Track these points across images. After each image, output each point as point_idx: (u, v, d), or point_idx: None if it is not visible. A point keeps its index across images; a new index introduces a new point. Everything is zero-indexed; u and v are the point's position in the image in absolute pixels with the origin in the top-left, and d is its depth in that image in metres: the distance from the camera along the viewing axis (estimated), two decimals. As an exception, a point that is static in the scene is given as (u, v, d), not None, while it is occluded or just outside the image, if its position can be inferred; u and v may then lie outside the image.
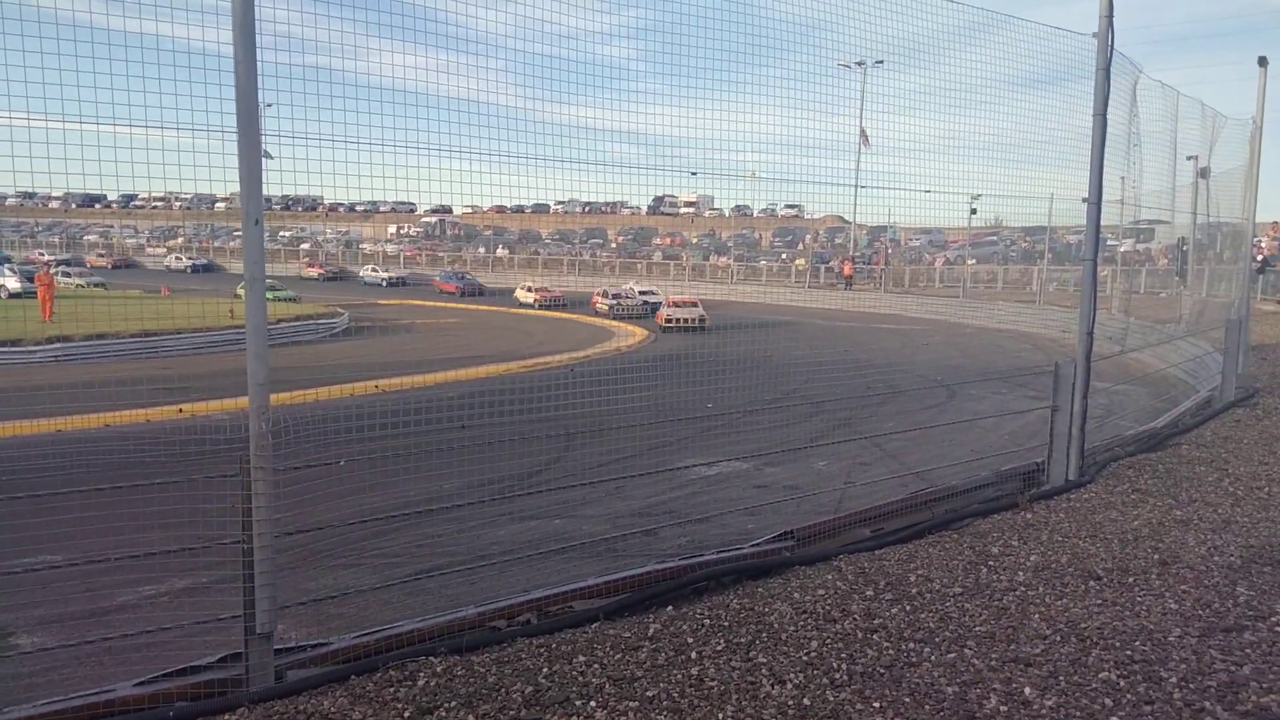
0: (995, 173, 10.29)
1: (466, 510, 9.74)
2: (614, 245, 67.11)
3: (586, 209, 76.72)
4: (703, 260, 58.36)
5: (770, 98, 8.84)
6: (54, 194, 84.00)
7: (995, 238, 53.43)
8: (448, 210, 70.31)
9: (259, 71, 4.91)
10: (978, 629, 5.28)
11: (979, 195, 11.33)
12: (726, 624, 5.42)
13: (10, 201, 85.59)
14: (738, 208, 69.87)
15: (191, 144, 6.10)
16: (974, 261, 50.70)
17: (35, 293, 30.09)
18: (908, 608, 5.64)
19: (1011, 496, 8.28)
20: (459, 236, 72.50)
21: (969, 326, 33.24)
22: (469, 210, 69.14)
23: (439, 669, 4.82)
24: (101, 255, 63.37)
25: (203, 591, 7.64)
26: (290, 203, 72.70)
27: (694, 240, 66.86)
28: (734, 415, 12.46)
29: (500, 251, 64.04)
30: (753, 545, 6.91)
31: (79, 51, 5.37)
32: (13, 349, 22.52)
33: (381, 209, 77.59)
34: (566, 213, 76.81)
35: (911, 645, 5.06)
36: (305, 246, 67.90)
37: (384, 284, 54.92)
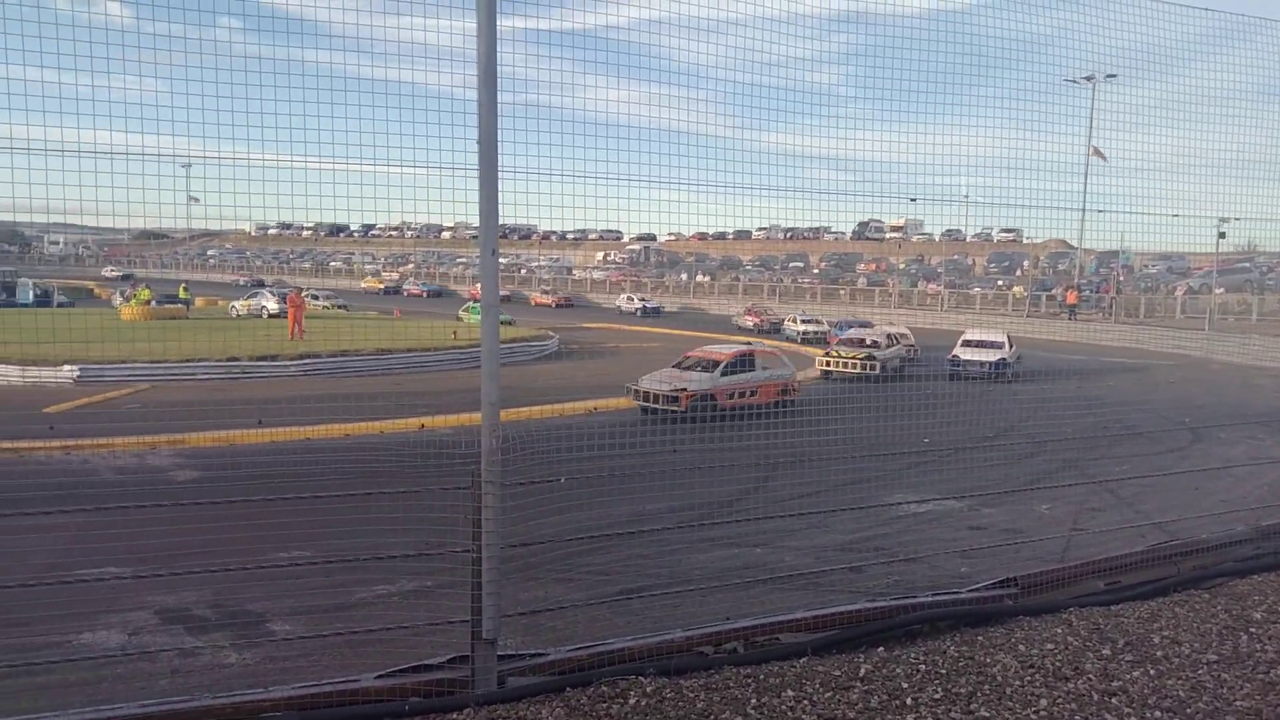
0: (1248, 192, 9.30)
1: (669, 533, 9.88)
2: (816, 270, 66.13)
3: (789, 235, 76.22)
4: (910, 287, 56.27)
5: (986, 118, 8.47)
6: (306, 225, 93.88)
7: (1249, 264, 48.03)
8: (652, 238, 72.14)
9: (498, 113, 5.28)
10: (1239, 703, 4.72)
11: (1228, 219, 10.28)
12: (944, 671, 5.16)
13: (271, 232, 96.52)
14: (948, 232, 66.96)
15: (425, 179, 6.65)
16: (1222, 290, 45.76)
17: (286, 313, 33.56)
18: (1152, 672, 5.13)
19: (1275, 556, 7.37)
20: (662, 263, 74.11)
21: (1216, 362, 29.99)
22: (672, 237, 70.57)
23: (649, 689, 4.90)
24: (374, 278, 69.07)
25: (429, 594, 8.18)
26: (507, 231, 77.35)
27: (900, 265, 64.68)
28: (946, 451, 11.89)
29: (701, 277, 64.85)
30: (971, 590, 6.54)
31: (320, 99, 6.02)
32: (270, 363, 25.21)
33: (590, 236, 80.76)
34: (768, 238, 76.69)
35: (1158, 715, 4.60)
36: (521, 273, 71.86)
37: (638, 313, 52.12)
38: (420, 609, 7.57)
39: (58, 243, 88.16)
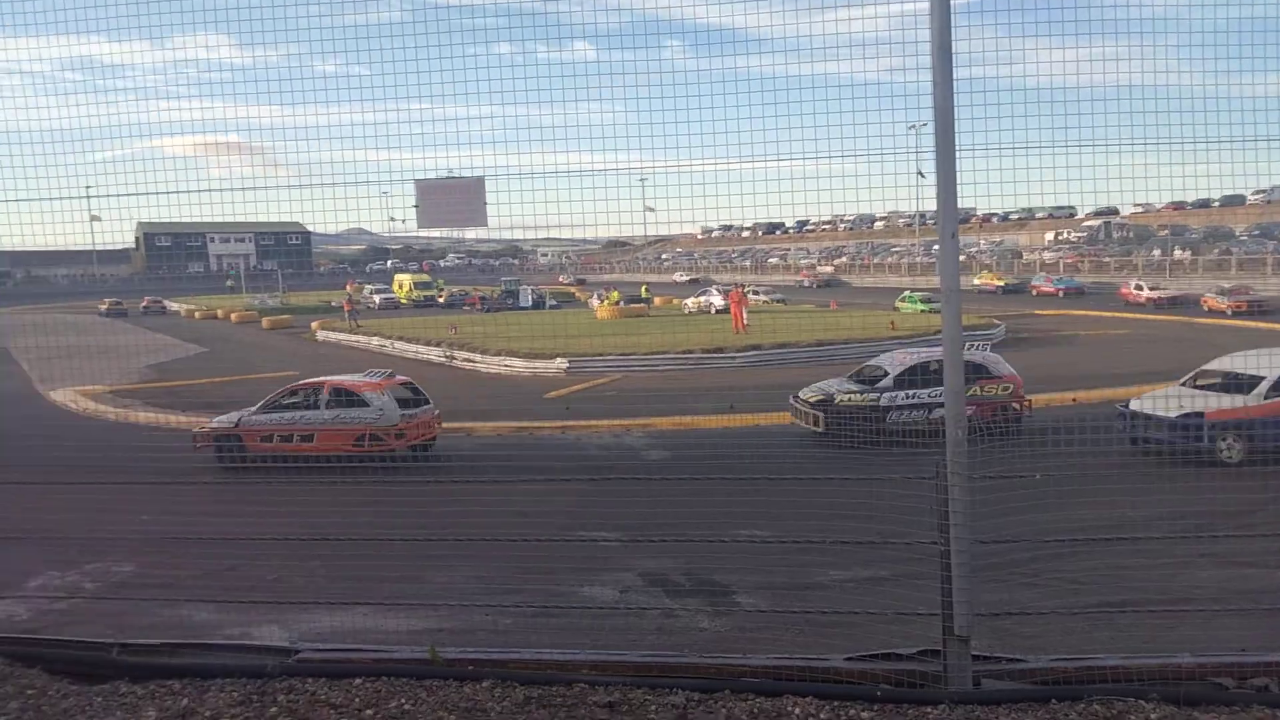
0: None
1: (1157, 544, 8.67)
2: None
3: (1302, 197, 62.71)
4: None
5: None
6: (745, 225, 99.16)
7: None
8: (1113, 211, 63.99)
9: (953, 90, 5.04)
10: None
11: None
12: None
13: (715, 234, 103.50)
14: None
15: (855, 169, 6.58)
16: None
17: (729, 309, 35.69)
18: None
19: None
20: (1127, 239, 65.45)
21: None
22: (1139, 209, 61.99)
23: (1152, 715, 4.34)
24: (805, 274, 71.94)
25: (884, 583, 8.14)
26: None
27: None
28: None
29: (1180, 253, 55.90)
30: None
31: (753, 101, 6.23)
32: (718, 355, 27.04)
33: (1037, 215, 74.20)
34: (1269, 201, 63.77)
35: None
36: (960, 259, 68.43)
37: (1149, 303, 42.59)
38: (878, 597, 7.54)
39: (546, 254, 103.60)
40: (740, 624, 7.44)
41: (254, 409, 14.78)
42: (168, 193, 7.47)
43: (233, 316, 49.63)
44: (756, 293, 49.04)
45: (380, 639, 6.05)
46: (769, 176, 6.80)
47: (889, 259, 72.92)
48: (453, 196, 6.70)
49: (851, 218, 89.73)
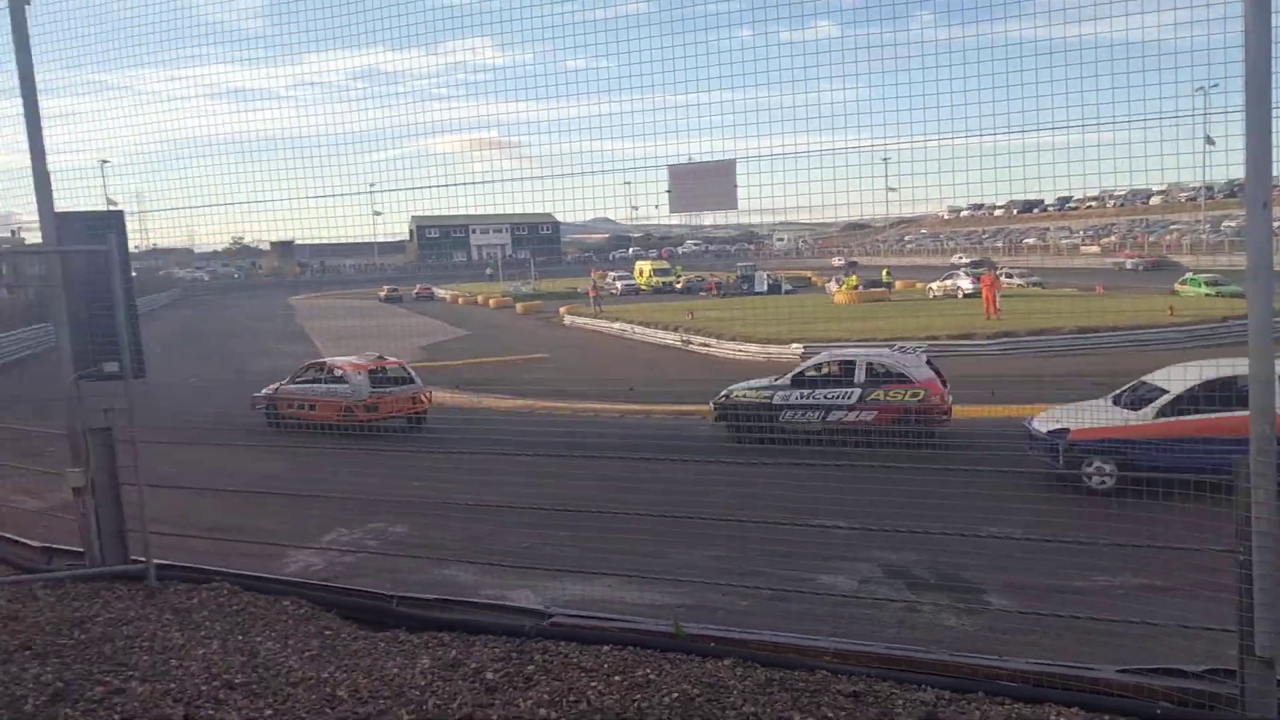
0: None
1: None
2: None
3: None
4: None
5: None
6: (998, 203, 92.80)
7: None
8: None
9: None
10: None
11: None
12: None
13: (964, 214, 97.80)
14: None
15: (1127, 138, 5.89)
16: None
17: (980, 293, 33.59)
18: None
19: None
20: None
21: None
22: None
23: None
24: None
25: (1154, 592, 7.38)
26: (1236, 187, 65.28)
27: None
28: None
29: None
30: None
31: (1009, 69, 5.72)
32: (965, 342, 25.56)
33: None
34: None
35: None
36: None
37: None
38: (1152, 605, 6.85)
39: (783, 238, 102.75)
40: (989, 624, 7.02)
41: (286, 380, 17.48)
42: (435, 186, 8.14)
43: (490, 302, 53.42)
44: (1010, 275, 45.87)
45: (624, 610, 6.30)
46: (1026, 149, 6.29)
47: (1166, 237, 65.53)
48: (704, 180, 6.79)
49: (1123, 192, 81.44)
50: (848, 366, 14.81)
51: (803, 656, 5.24)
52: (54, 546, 7.85)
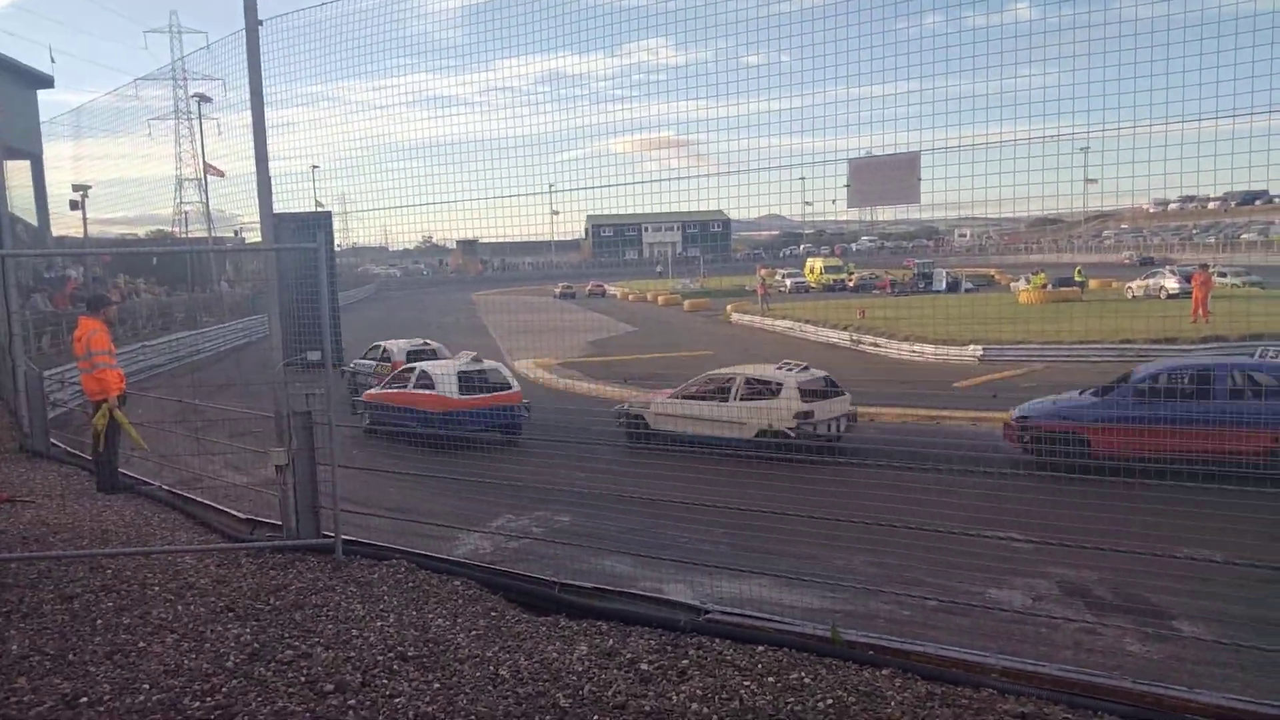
0: None
1: None
2: None
3: None
4: None
5: None
6: (1213, 195, 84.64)
7: None
8: None
9: None
10: None
11: None
12: None
13: (1172, 207, 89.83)
14: None
15: None
16: None
17: (1190, 292, 30.78)
18: None
19: None
20: None
21: None
22: None
23: None
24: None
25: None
26: None
27: None
28: None
29: None
30: None
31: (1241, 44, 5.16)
32: (1167, 346, 23.50)
33: None
34: None
35: None
36: None
37: None
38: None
39: (965, 235, 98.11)
40: (1178, 653, 6.46)
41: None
42: (610, 185, 8.33)
43: (659, 299, 54.11)
44: (1223, 274, 41.84)
45: (779, 611, 6.25)
46: (1254, 134, 5.73)
47: None
48: (885, 174, 6.61)
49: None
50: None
51: (968, 672, 5.03)
52: (256, 519, 8.66)
